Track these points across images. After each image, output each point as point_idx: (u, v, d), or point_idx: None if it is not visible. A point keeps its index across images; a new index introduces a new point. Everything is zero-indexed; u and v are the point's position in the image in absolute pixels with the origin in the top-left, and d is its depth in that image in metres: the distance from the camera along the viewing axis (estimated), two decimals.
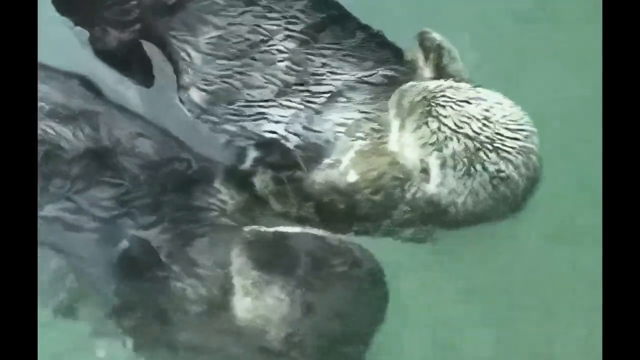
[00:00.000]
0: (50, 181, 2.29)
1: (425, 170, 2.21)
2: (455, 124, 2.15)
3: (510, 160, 2.15)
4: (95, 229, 2.27)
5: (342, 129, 2.40)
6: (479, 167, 2.15)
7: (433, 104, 2.19)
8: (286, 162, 2.38)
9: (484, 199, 2.19)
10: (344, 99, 2.44)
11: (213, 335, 2.18)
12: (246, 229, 2.20)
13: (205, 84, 2.52)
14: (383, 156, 2.33)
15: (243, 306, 2.13)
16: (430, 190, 2.23)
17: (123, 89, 2.56)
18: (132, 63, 2.61)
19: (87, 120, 2.40)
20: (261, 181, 2.39)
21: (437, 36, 2.44)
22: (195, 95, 2.53)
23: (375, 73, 2.47)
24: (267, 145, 2.41)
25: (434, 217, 2.29)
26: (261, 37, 2.54)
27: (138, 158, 2.36)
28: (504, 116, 2.17)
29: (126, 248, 2.20)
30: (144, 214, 2.29)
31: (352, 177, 2.35)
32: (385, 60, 2.49)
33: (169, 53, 2.57)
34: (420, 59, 2.47)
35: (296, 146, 2.41)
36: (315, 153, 2.40)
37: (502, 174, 2.15)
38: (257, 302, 2.11)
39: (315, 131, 2.42)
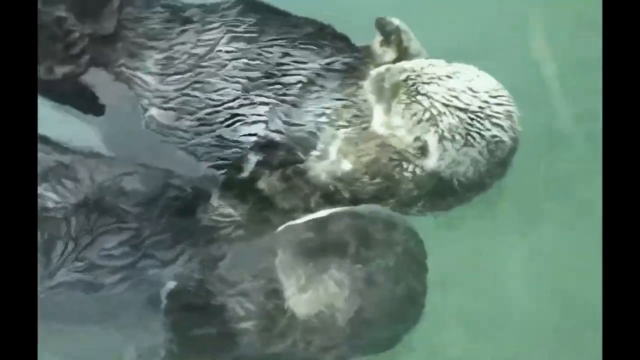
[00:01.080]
0: (53, 247, 2.10)
1: (422, 148, 2.28)
2: (445, 99, 2.23)
3: (500, 125, 2.26)
4: (118, 281, 2.11)
5: (324, 119, 2.41)
6: (476, 136, 2.25)
7: (419, 83, 2.26)
8: (290, 157, 2.36)
9: (483, 165, 2.29)
10: (317, 88, 2.44)
11: (279, 341, 2.13)
12: (280, 229, 2.16)
13: (165, 102, 2.45)
14: (370, 141, 2.37)
15: (302, 303, 2.10)
16: (430, 166, 2.30)
17: (82, 133, 2.41)
18: (78, 95, 2.52)
19: (62, 175, 2.22)
20: (268, 183, 2.35)
21: (394, 20, 2.51)
22: (159, 115, 2.45)
23: (338, 61, 2.48)
24: (267, 146, 2.37)
25: (440, 191, 2.36)
26: (207, 48, 2.49)
27: (130, 197, 2.23)
28: (485, 85, 2.28)
29: (173, 288, 2.08)
30: (160, 249, 2.17)
31: (346, 165, 2.38)
32: (341, 50, 2.52)
33: (122, 81, 2.48)
34: (376, 45, 2.53)
35: (281, 144, 2.40)
36: (301, 147, 2.40)
37: (497, 139, 2.26)
38: (318, 293, 2.08)
39: (297, 125, 2.41)
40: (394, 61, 2.44)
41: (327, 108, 2.41)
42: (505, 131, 2.27)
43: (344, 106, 2.41)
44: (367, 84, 2.38)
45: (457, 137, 2.23)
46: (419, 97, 2.25)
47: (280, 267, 2.11)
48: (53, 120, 2.45)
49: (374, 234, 2.11)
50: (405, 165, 2.33)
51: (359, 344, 2.11)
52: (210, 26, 2.52)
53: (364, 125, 2.38)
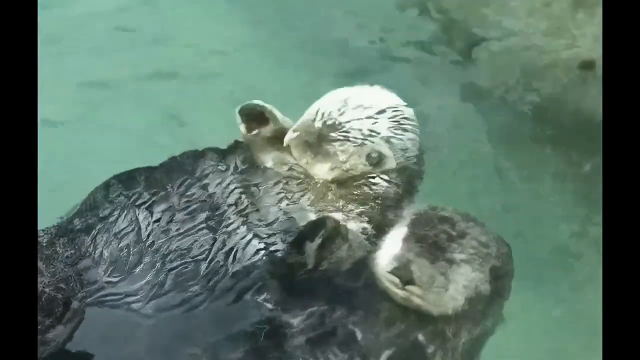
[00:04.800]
0: None
1: (379, 157, 2.60)
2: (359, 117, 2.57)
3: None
4: None
5: (285, 202, 2.54)
6: (405, 121, 2.64)
7: (334, 119, 2.56)
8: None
9: (417, 141, 2.70)
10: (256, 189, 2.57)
11: None
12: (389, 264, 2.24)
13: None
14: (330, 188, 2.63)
15: (439, 303, 2.20)
16: (392, 165, 2.64)
17: None
18: None
19: None
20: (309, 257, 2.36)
21: (255, 102, 2.70)
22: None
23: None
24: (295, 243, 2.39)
25: (410, 176, 2.71)
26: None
27: None
28: (369, 92, 2.68)
29: None
30: None
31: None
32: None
33: None
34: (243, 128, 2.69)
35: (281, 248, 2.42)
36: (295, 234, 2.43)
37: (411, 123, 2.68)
38: (453, 286, 2.20)
39: (273, 221, 2.48)
40: (275, 133, 2.65)
41: (279, 192, 2.56)
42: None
43: (287, 181, 2.59)
44: (294, 152, 2.60)
45: (396, 131, 2.60)
46: (344, 130, 2.56)
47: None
48: None
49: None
50: (372, 180, 2.63)
51: None
52: None
53: (314, 182, 2.62)
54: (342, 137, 2.56)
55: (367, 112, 2.60)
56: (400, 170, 2.66)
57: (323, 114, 2.58)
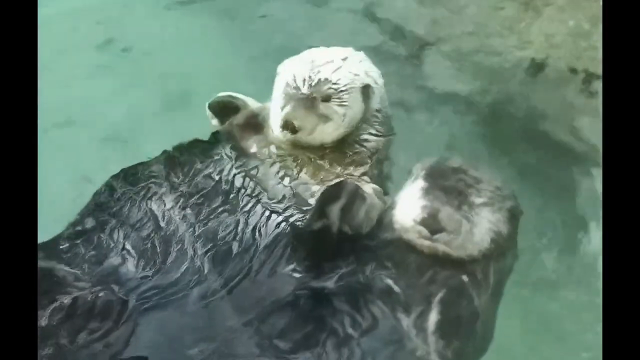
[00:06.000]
0: None
1: (370, 88, 2.75)
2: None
3: None
4: None
5: (288, 179, 2.61)
6: (371, 65, 2.81)
7: (321, 79, 2.63)
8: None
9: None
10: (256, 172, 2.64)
11: None
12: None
13: None
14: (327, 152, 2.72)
15: (467, 247, 2.37)
16: (376, 87, 2.81)
17: None
18: None
19: None
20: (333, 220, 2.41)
21: (222, 95, 2.83)
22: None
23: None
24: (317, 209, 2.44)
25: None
26: None
27: None
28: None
29: None
30: None
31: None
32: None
33: None
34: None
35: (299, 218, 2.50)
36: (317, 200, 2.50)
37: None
38: (478, 229, 2.36)
39: (285, 198, 2.56)
40: (247, 119, 2.77)
41: (278, 171, 2.64)
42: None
43: (282, 160, 2.66)
44: (299, 123, 2.61)
45: (367, 70, 2.78)
46: (332, 83, 2.65)
47: None
48: None
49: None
50: (363, 136, 2.76)
51: None
52: None
53: (307, 157, 2.68)
54: (334, 90, 2.63)
55: (336, 63, 2.69)
56: (381, 116, 2.81)
57: (304, 80, 2.63)
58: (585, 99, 2.94)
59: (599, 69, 2.70)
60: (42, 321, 1.93)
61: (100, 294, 2.00)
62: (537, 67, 2.94)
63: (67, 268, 2.19)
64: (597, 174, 2.87)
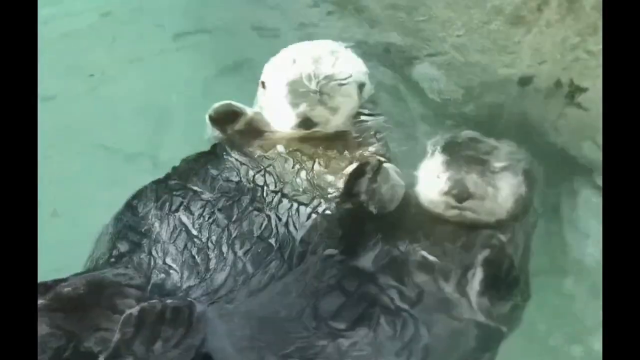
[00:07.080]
0: None
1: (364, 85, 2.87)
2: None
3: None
4: None
5: (304, 173, 2.65)
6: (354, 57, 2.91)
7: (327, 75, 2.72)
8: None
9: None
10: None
11: None
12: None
13: None
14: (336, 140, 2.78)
15: (494, 211, 2.46)
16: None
17: None
18: None
19: None
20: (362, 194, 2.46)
21: (221, 104, 2.82)
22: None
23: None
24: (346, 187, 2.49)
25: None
26: None
27: None
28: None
29: None
30: None
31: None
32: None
33: None
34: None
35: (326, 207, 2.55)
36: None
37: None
38: (502, 193, 2.46)
39: (307, 191, 2.59)
40: (246, 125, 2.80)
41: (293, 167, 2.66)
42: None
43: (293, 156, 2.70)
44: (315, 116, 2.69)
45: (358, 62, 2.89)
46: (338, 78, 2.75)
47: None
48: None
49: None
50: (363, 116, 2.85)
51: None
52: None
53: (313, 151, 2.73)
54: (337, 83, 2.73)
55: (332, 57, 2.78)
56: (373, 101, 2.92)
57: (310, 76, 2.71)
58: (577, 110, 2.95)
59: (584, 82, 2.80)
60: (114, 336, 1.88)
61: (168, 301, 1.96)
62: (526, 81, 3.01)
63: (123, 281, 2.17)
64: (594, 185, 2.85)
